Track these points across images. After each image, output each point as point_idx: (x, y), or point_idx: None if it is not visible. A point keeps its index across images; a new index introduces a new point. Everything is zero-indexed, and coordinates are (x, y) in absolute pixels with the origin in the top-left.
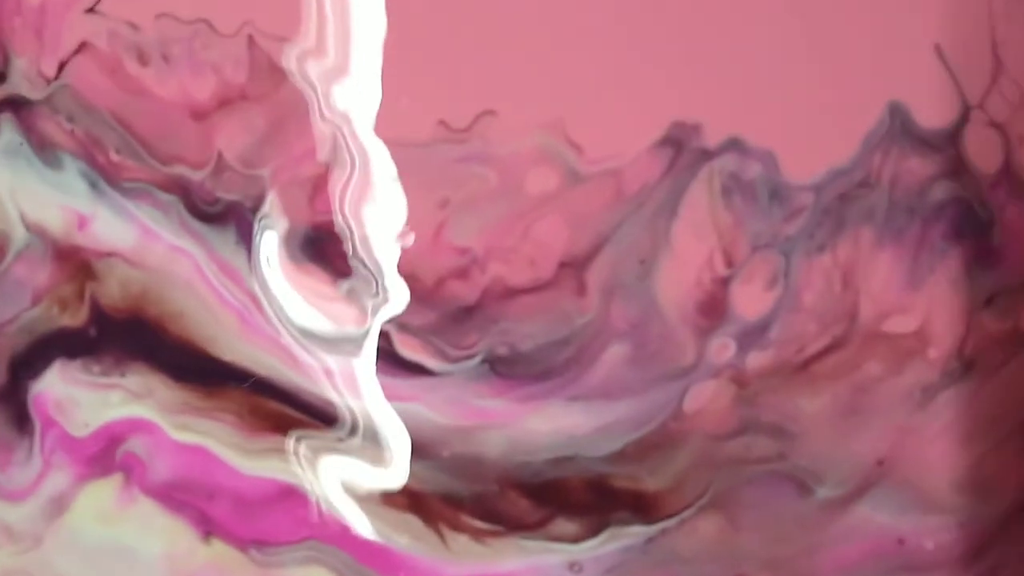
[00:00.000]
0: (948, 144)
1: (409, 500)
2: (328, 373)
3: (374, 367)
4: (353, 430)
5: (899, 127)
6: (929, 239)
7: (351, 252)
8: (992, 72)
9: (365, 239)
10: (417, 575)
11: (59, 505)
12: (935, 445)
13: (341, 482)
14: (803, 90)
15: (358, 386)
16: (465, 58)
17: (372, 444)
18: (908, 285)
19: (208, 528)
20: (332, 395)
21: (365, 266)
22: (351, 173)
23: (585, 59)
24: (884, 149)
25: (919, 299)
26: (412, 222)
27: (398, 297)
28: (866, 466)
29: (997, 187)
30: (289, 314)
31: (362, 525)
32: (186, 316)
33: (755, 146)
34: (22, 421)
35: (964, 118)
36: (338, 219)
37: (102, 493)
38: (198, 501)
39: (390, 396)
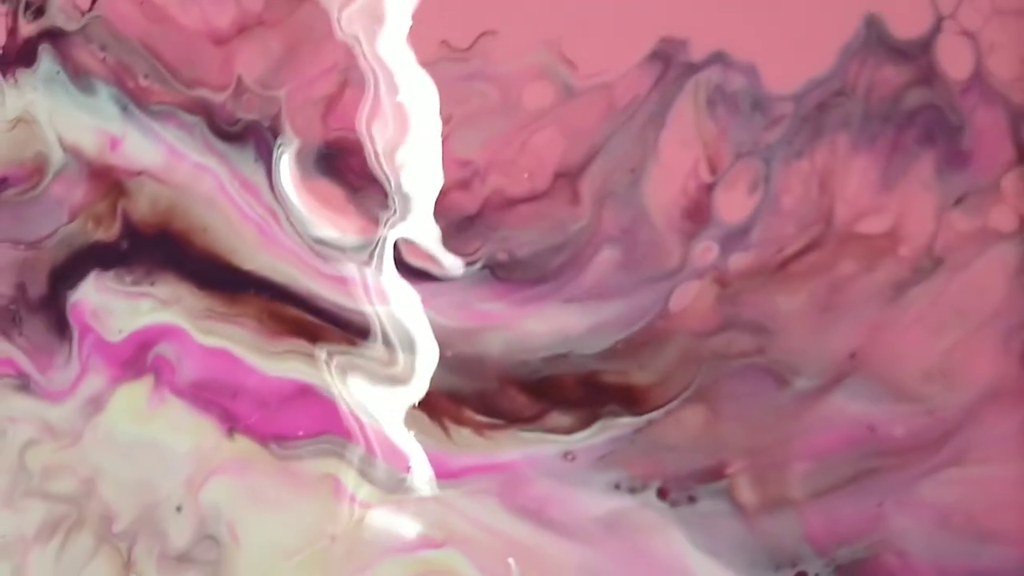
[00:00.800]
0: (921, 53)
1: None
2: (343, 281)
3: (392, 273)
4: (367, 334)
5: (875, 38)
6: (902, 144)
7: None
8: None
9: (379, 154)
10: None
11: (96, 405)
12: (905, 338)
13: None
14: (783, 4)
15: (372, 292)
16: None
17: (388, 347)
18: (881, 188)
19: (232, 425)
20: (346, 301)
21: (382, 179)
22: (368, 92)
23: None
24: (860, 59)
25: (892, 201)
26: (416, 138)
27: (411, 211)
28: (840, 359)
29: (968, 93)
30: (305, 225)
31: (394, 425)
32: (210, 229)
33: (738, 59)
34: (62, 328)
35: (937, 28)
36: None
37: (135, 394)
38: (222, 400)
39: (399, 301)
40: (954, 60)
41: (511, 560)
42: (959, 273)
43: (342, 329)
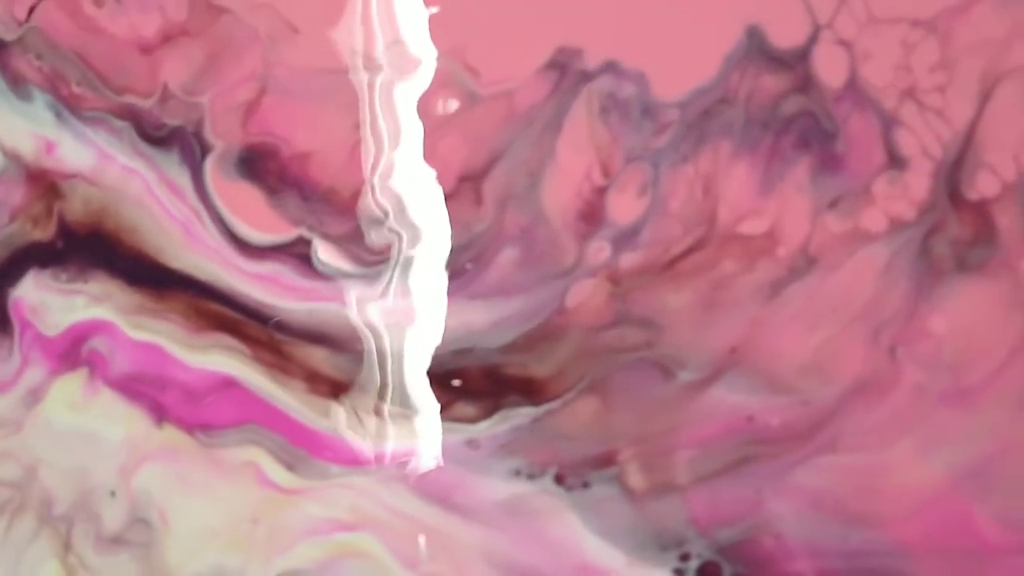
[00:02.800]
0: (799, 62)
1: (331, 388)
2: (262, 278)
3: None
4: (280, 327)
5: (755, 48)
6: (780, 149)
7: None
8: None
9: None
10: (339, 453)
11: (35, 396)
12: (782, 334)
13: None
14: (671, 16)
15: (291, 287)
16: None
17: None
18: (760, 191)
19: (161, 415)
20: (268, 299)
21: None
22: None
23: None
24: (742, 68)
25: (770, 203)
26: (331, 142)
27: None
28: (721, 353)
29: (842, 101)
30: (227, 226)
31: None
32: (139, 229)
33: (629, 68)
34: (3, 323)
35: (814, 37)
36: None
37: (71, 385)
38: (152, 391)
39: (312, 297)
40: (830, 69)
41: (421, 538)
42: (832, 272)
43: (262, 324)
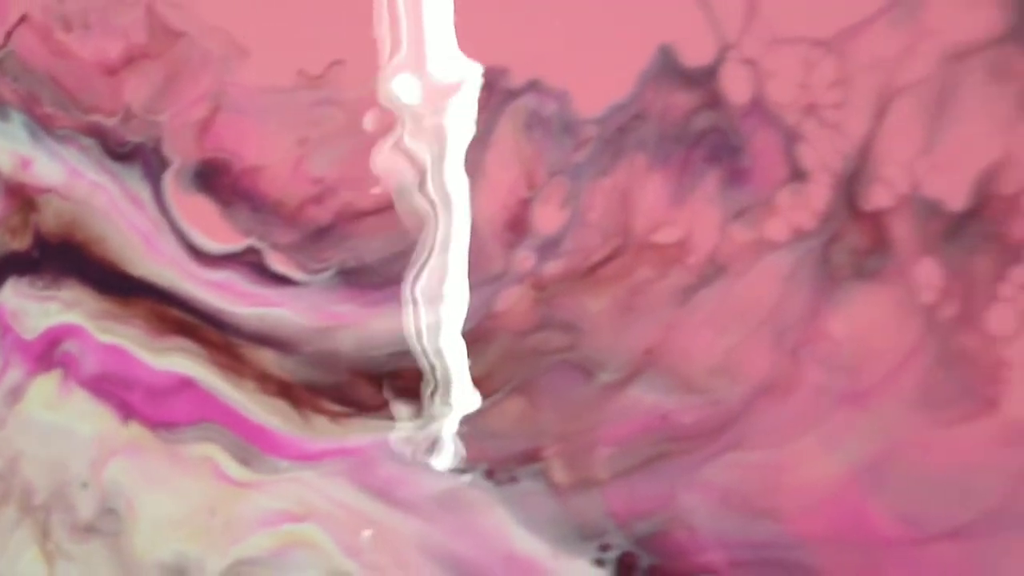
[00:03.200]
0: (707, 80)
1: (280, 388)
2: (218, 285)
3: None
4: (243, 333)
5: (668, 66)
6: (691, 163)
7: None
8: (746, 14)
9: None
10: (287, 449)
11: (16, 395)
12: (694, 337)
13: None
14: (590, 37)
15: (243, 294)
16: (317, 15)
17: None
18: (673, 202)
19: (127, 413)
20: (222, 304)
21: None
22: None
23: (413, 12)
24: (655, 86)
25: (682, 214)
26: (278, 157)
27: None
28: (638, 355)
29: (748, 117)
30: (184, 236)
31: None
32: (105, 240)
33: (552, 86)
34: None
35: (722, 56)
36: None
37: (47, 385)
38: (119, 391)
39: (263, 303)
40: (736, 86)
41: (367, 532)
42: (739, 279)
43: (217, 328)
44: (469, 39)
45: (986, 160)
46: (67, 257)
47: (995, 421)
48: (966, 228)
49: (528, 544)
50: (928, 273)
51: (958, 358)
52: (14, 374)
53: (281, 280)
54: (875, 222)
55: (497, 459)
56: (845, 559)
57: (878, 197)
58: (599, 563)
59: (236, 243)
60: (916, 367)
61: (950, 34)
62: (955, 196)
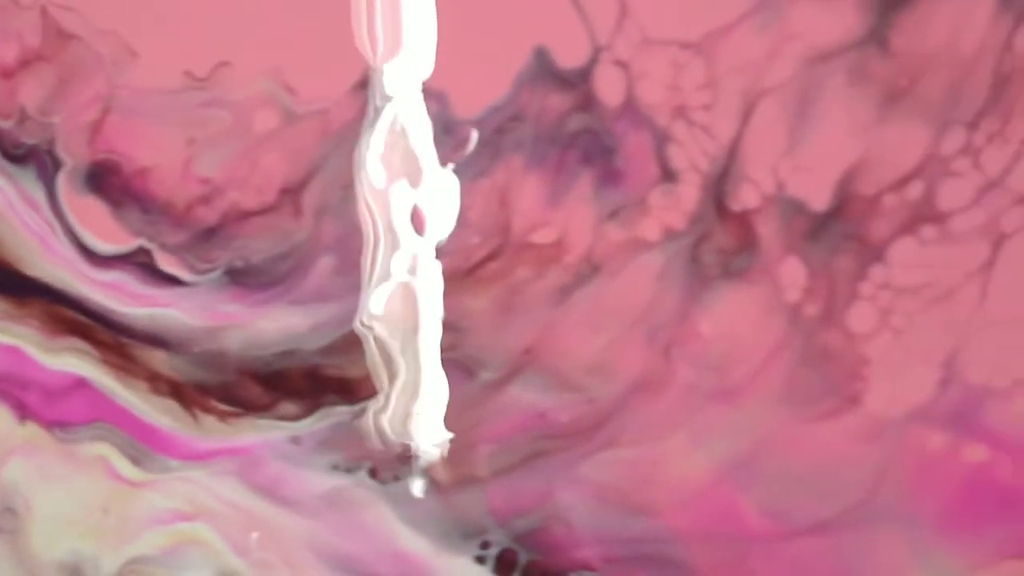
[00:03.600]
0: (581, 82)
1: (170, 388)
2: (110, 286)
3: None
4: (134, 333)
5: (543, 68)
6: (566, 164)
7: None
8: (618, 17)
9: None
10: (178, 449)
11: None
12: (570, 335)
13: None
14: (467, 38)
15: (134, 294)
16: (203, 17)
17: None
18: (549, 203)
19: (23, 412)
20: (114, 305)
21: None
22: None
23: (295, 16)
24: (531, 88)
25: (558, 214)
26: (167, 158)
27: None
28: (517, 354)
29: (620, 119)
30: (77, 237)
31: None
32: (1, 241)
33: (432, 87)
34: None
35: (595, 58)
36: None
37: None
38: (15, 391)
39: (153, 303)
40: (609, 88)
41: (255, 535)
42: (613, 278)
43: (109, 329)
44: (351, 41)
45: (847, 161)
46: None
47: (857, 417)
48: (828, 228)
49: (412, 542)
50: (792, 272)
51: (821, 356)
52: None
53: (170, 280)
54: (742, 222)
55: (381, 458)
56: (715, 553)
57: (745, 197)
58: (480, 560)
59: (127, 244)
60: (781, 365)
61: (812, 37)
62: (818, 196)
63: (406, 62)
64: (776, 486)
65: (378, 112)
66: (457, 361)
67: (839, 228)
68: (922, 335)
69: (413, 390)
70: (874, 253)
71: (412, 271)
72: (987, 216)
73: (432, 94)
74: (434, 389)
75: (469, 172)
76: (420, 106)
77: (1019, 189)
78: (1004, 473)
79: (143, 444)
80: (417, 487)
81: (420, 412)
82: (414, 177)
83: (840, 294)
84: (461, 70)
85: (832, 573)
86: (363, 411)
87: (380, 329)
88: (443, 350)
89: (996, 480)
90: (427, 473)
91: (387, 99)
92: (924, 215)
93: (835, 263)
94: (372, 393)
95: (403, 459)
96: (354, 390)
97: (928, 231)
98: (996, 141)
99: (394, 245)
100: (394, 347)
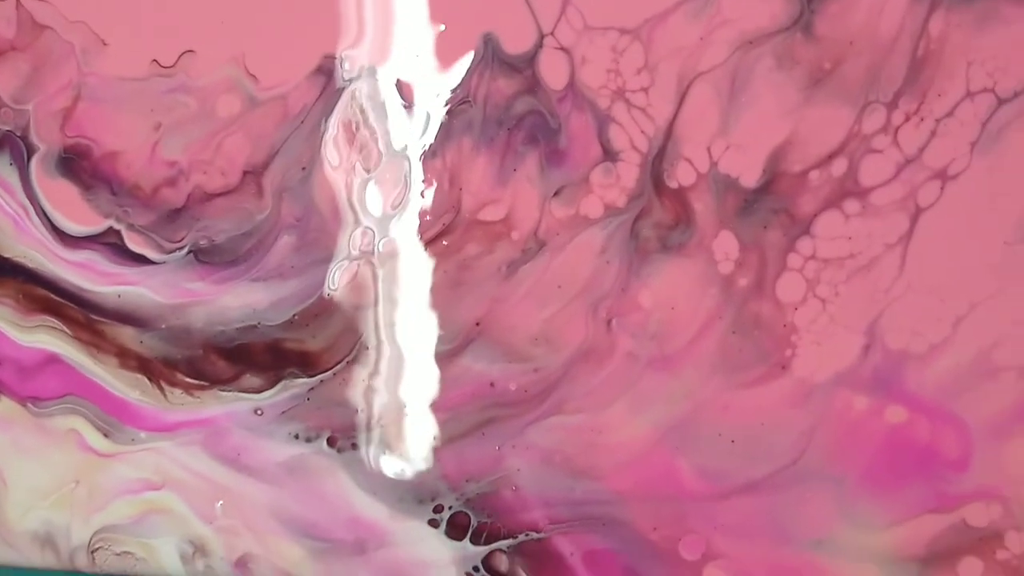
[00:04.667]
0: (527, 66)
1: (139, 363)
2: (81, 265)
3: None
4: (102, 311)
5: (491, 53)
6: (513, 145)
7: None
8: (561, 5)
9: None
10: (146, 421)
11: None
12: (518, 308)
13: None
14: (420, 24)
15: (104, 273)
16: (169, 7)
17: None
18: (497, 182)
19: None
20: (84, 284)
21: None
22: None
23: (256, 6)
24: (480, 73)
25: (505, 193)
26: (135, 143)
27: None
28: (468, 326)
29: (563, 101)
30: (50, 219)
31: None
32: None
33: (384, 73)
34: None
35: (539, 44)
36: None
37: None
38: None
39: (122, 282)
40: (552, 72)
41: (219, 503)
42: (558, 253)
43: (80, 306)
44: (310, 28)
45: (775, 140)
46: None
47: (786, 383)
48: (759, 203)
49: (369, 507)
50: (726, 245)
51: (753, 324)
52: None
53: (138, 260)
54: (678, 198)
55: (339, 427)
56: (654, 512)
57: (681, 175)
58: (433, 524)
59: (97, 225)
60: (715, 334)
61: (742, 24)
62: (749, 174)
63: (365, 49)
64: (711, 449)
65: (337, 96)
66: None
67: (769, 203)
68: (846, 304)
69: (374, 362)
70: (801, 227)
71: (368, 247)
72: (905, 190)
73: (388, 79)
74: (392, 361)
75: (423, 153)
76: (377, 90)
77: (935, 165)
78: (922, 433)
79: (113, 417)
80: (386, 463)
81: (378, 384)
82: (369, 159)
83: (770, 266)
84: (413, 57)
85: (764, 530)
86: (321, 383)
87: (342, 301)
88: (396, 324)
89: (914, 440)
90: (384, 443)
91: (346, 83)
92: (847, 190)
93: (765, 237)
94: (331, 365)
95: (366, 429)
96: (313, 363)
97: (851, 205)
98: (913, 120)
99: (352, 223)
100: (356, 319)
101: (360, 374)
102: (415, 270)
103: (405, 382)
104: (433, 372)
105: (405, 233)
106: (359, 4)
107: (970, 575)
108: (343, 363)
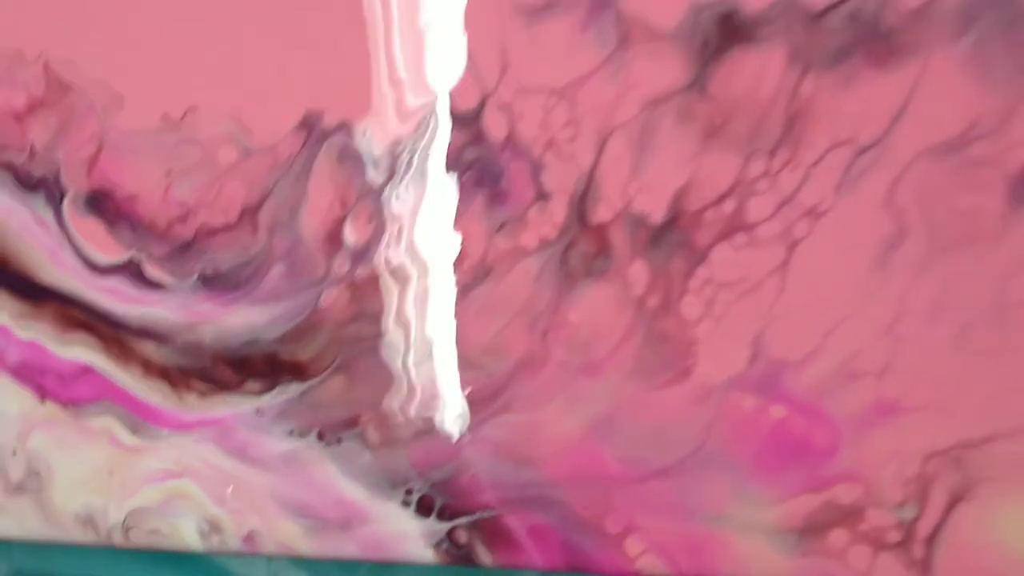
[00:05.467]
0: (475, 121)
1: (159, 372)
2: (109, 290)
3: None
4: (133, 329)
5: (444, 110)
6: (465, 187)
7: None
8: (501, 69)
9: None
10: (167, 420)
11: None
12: (471, 324)
13: None
14: (384, 88)
15: (128, 297)
16: (176, 70)
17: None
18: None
19: (43, 394)
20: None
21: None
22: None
23: (250, 69)
24: (434, 127)
25: (458, 228)
26: (148, 187)
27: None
28: (429, 340)
29: (504, 150)
30: (81, 251)
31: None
32: (20, 254)
33: (356, 126)
34: None
35: (483, 103)
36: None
37: None
38: (36, 376)
39: (143, 303)
40: (495, 127)
41: (229, 488)
42: (502, 279)
43: (110, 325)
44: (294, 89)
45: (677, 184)
46: None
47: (689, 386)
48: (664, 237)
49: (352, 491)
50: (638, 272)
51: (661, 338)
52: None
53: (156, 285)
54: (600, 233)
55: (326, 424)
56: (585, 494)
57: (601, 213)
58: (405, 504)
59: (120, 256)
60: (631, 346)
61: (649, 85)
62: (656, 212)
63: (341, 107)
64: (630, 440)
65: (319, 146)
66: (381, 347)
67: (673, 237)
68: (736, 321)
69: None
70: (699, 256)
71: (348, 274)
72: (783, 226)
73: (359, 132)
74: (372, 370)
75: (390, 194)
76: (351, 142)
77: (806, 204)
78: (798, 427)
79: (139, 417)
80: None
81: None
82: (347, 199)
83: (674, 289)
84: (378, 114)
85: (673, 506)
86: (311, 388)
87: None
88: (372, 338)
89: (793, 432)
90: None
91: (325, 136)
92: (736, 226)
93: (670, 265)
94: (317, 373)
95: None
96: (304, 371)
97: (739, 238)
98: (789, 166)
99: (333, 254)
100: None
101: (342, 380)
102: (386, 293)
103: (378, 387)
104: (403, 378)
105: (377, 262)
106: (336, 69)
107: (838, 543)
108: (329, 371)
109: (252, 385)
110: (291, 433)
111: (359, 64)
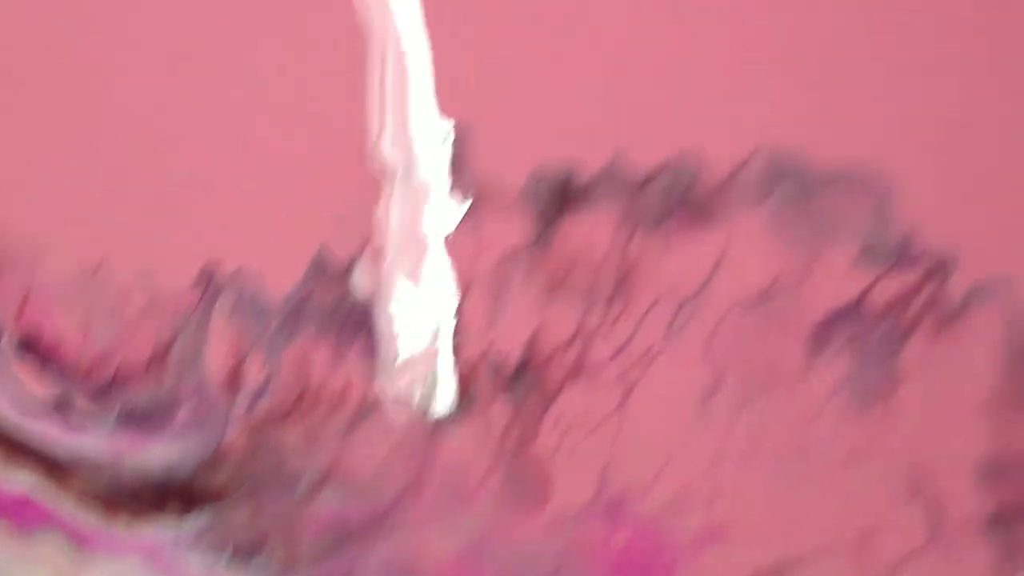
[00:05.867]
0: (349, 272)
1: (94, 499)
2: (45, 425)
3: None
4: (63, 460)
5: (317, 268)
6: (345, 331)
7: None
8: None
9: None
10: (104, 545)
11: None
12: (353, 457)
13: None
14: (269, 243)
15: (64, 430)
16: (85, 221)
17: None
18: (335, 361)
19: None
20: (49, 438)
21: None
22: None
23: (153, 225)
24: (316, 278)
25: (342, 369)
26: (70, 333)
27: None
28: (322, 471)
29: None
30: (20, 389)
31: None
32: None
33: (249, 277)
34: None
35: (358, 255)
36: None
37: None
38: None
39: (77, 437)
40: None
41: None
42: (384, 416)
43: (49, 456)
44: (188, 242)
45: (528, 332)
46: None
47: (546, 515)
48: (520, 380)
49: None
50: (498, 413)
51: (521, 472)
52: None
53: (84, 421)
54: (463, 377)
55: (238, 545)
56: None
57: (467, 356)
58: None
59: (52, 394)
60: (496, 479)
61: (500, 243)
62: (512, 356)
63: (233, 261)
64: (499, 563)
65: (214, 298)
66: (282, 477)
67: (527, 379)
68: (584, 456)
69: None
70: (550, 397)
71: (248, 411)
72: (621, 369)
73: (251, 282)
74: None
75: (280, 341)
76: (242, 294)
77: (639, 350)
78: (642, 548)
79: (79, 543)
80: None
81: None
82: (243, 349)
83: (529, 428)
84: (272, 263)
85: None
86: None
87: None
88: (272, 469)
89: (637, 553)
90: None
91: (219, 289)
92: (580, 369)
93: (525, 405)
94: (229, 496)
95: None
96: (219, 495)
97: (584, 381)
98: (623, 316)
99: (234, 393)
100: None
101: (249, 505)
102: (280, 431)
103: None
104: (300, 506)
105: (271, 403)
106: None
107: None
108: (239, 494)
109: (173, 509)
110: (210, 553)
111: (256, 219)
